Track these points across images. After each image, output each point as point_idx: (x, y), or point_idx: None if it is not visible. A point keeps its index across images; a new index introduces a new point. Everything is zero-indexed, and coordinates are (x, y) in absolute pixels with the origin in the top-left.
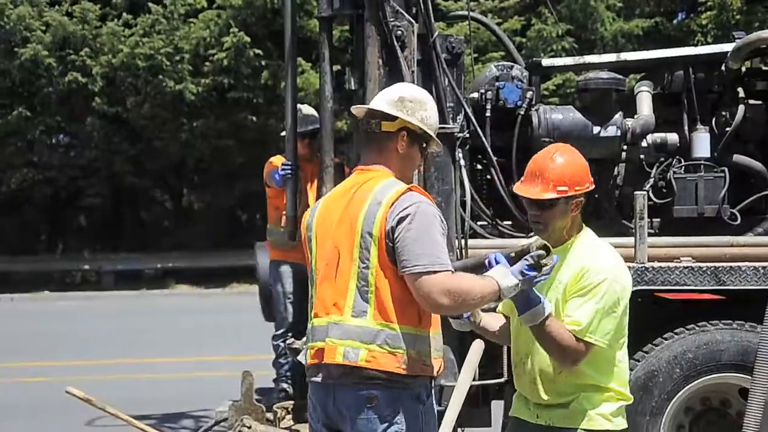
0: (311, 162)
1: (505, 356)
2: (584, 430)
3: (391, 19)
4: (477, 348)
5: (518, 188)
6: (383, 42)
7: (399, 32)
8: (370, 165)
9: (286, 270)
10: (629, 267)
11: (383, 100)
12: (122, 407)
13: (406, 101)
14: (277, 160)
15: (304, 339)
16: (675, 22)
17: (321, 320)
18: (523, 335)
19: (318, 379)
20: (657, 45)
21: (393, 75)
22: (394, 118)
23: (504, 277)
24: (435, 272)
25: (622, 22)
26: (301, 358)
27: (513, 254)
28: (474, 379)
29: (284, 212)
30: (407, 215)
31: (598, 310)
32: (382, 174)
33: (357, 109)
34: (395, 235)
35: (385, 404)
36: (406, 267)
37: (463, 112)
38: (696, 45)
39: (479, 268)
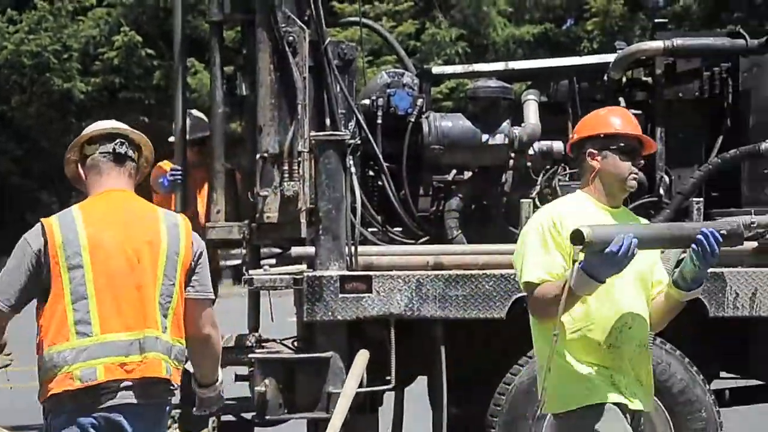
0: (200, 168)
1: (393, 363)
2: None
3: (283, 25)
4: (362, 356)
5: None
6: (274, 47)
7: (290, 38)
8: (121, 187)
9: None
10: (515, 274)
11: (131, 130)
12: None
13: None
14: (165, 165)
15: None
16: (563, 28)
17: (127, 335)
18: (626, 300)
19: (130, 399)
20: (546, 50)
21: (284, 81)
22: (139, 150)
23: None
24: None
25: (513, 27)
26: None
27: (725, 231)
28: (362, 386)
29: None
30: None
31: None
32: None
33: (104, 130)
34: (199, 260)
35: (168, 414)
36: (203, 292)
37: (354, 119)
38: (583, 50)
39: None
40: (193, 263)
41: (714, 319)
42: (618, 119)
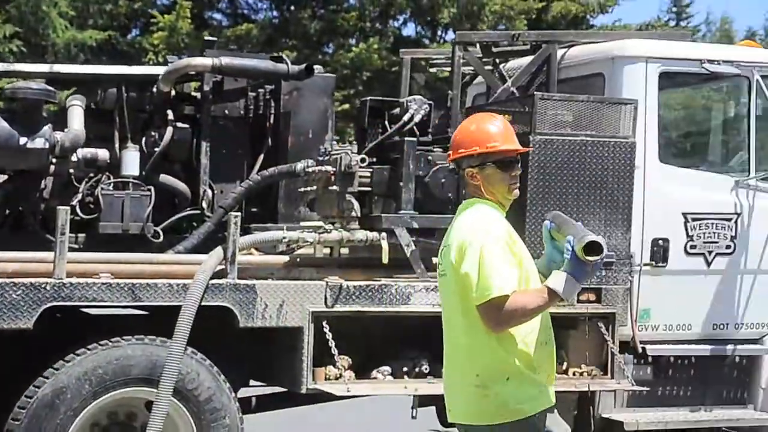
0: None
1: None
2: None
3: None
4: None
5: (512, 148)
6: None
7: None
8: None
9: None
10: (46, 283)
11: None
12: None
13: None
14: None
15: None
16: (129, 37)
17: None
18: (545, 314)
19: None
20: (111, 58)
21: None
22: None
23: None
24: None
25: (76, 31)
26: None
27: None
28: None
29: None
30: None
31: None
32: None
33: None
34: None
35: None
36: None
37: None
38: (149, 63)
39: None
40: None
41: (244, 329)
42: (490, 132)
